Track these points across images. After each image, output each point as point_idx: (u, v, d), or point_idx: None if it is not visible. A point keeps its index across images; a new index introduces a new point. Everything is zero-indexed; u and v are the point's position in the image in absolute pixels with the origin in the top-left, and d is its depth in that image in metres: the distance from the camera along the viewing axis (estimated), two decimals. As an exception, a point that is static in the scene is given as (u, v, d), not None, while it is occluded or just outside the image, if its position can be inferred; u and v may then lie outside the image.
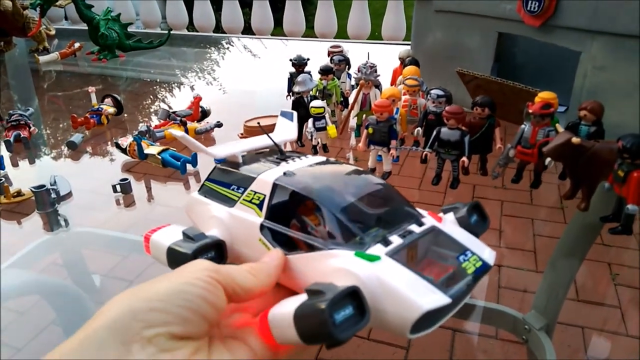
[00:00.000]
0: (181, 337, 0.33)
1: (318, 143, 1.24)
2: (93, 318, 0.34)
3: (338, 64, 1.44)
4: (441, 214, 0.61)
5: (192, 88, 1.94)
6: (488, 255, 0.55)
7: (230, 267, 0.41)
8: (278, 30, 3.27)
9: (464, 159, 1.03)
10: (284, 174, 0.58)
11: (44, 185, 1.03)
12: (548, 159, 0.99)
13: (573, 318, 0.72)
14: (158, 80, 2.12)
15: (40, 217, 1.03)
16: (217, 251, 0.60)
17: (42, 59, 2.27)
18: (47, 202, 1.03)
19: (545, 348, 0.63)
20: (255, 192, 0.59)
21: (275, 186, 0.57)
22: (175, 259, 0.58)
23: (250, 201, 0.60)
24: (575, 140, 0.90)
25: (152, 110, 1.77)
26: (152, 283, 0.36)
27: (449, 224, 0.57)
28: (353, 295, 0.41)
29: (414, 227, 0.53)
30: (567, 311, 0.73)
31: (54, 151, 1.41)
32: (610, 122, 1.04)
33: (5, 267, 0.87)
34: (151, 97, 1.93)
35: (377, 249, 0.48)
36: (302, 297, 0.41)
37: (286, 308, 0.41)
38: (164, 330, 0.33)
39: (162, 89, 2.02)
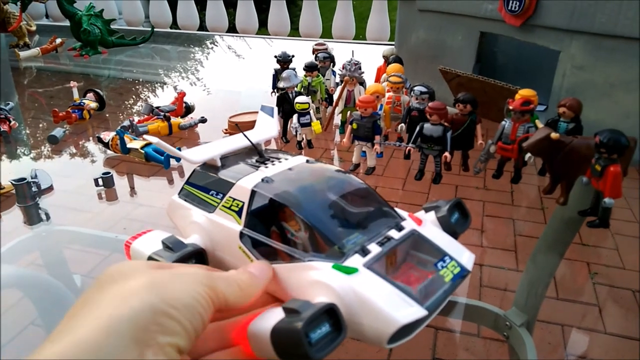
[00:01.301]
0: (180, 352, 0.33)
1: (303, 139, 1.25)
2: (111, 301, 0.32)
3: (323, 61, 1.45)
4: (422, 213, 0.62)
5: (174, 88, 1.93)
6: (467, 259, 0.55)
7: (223, 281, 0.40)
8: (263, 31, 3.27)
9: (447, 154, 1.05)
10: (262, 180, 0.58)
11: (24, 179, 1.02)
12: (528, 155, 1.01)
13: (553, 316, 0.73)
14: (141, 78, 2.11)
15: (21, 211, 1.02)
16: (198, 260, 0.60)
17: (23, 54, 2.24)
18: (27, 196, 1.02)
19: (525, 344, 0.64)
20: (234, 199, 0.59)
21: (253, 193, 0.57)
22: None
23: (229, 208, 0.59)
24: (554, 135, 0.92)
25: (134, 106, 1.75)
26: (170, 277, 0.36)
27: (429, 226, 0.58)
28: (329, 312, 0.41)
29: (393, 233, 0.54)
30: (547, 309, 0.74)
31: (34, 145, 1.39)
32: (588, 120, 1.06)
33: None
34: (134, 94, 1.92)
35: (355, 260, 0.48)
36: (280, 313, 0.42)
37: (264, 325, 0.41)
38: (175, 341, 0.32)
39: (145, 87, 2.00)
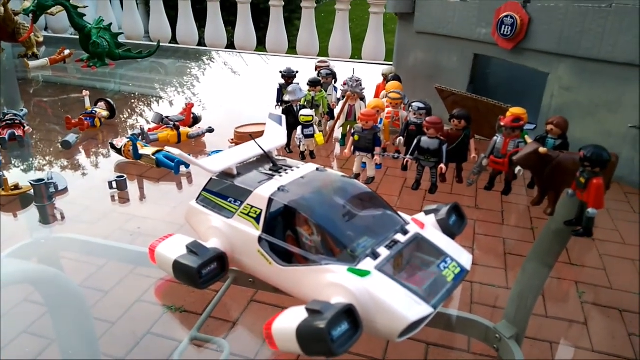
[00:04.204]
0: None
1: (305, 150, 1.31)
2: None
3: (325, 77, 1.52)
4: (422, 215, 0.68)
5: (170, 103, 1.98)
6: (465, 259, 0.61)
7: None
8: (260, 49, 3.34)
9: (442, 165, 1.12)
10: (279, 189, 0.64)
11: (42, 179, 1.07)
12: (518, 168, 1.07)
13: (541, 333, 0.74)
14: (145, 90, 2.15)
15: (38, 210, 1.06)
16: (219, 263, 0.66)
17: (32, 64, 2.30)
18: (45, 196, 1.06)
19: (515, 357, 0.66)
20: (252, 207, 0.64)
21: (270, 201, 0.63)
22: (182, 272, 0.64)
23: (247, 214, 0.65)
24: (542, 150, 0.99)
25: (137, 116, 1.80)
26: None
27: (430, 229, 0.64)
28: (348, 312, 0.47)
29: (399, 237, 0.60)
30: (536, 326, 0.76)
31: (47, 150, 1.43)
32: (574, 138, 1.14)
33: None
34: (140, 105, 1.97)
35: (367, 263, 0.54)
36: (302, 313, 0.48)
37: (288, 323, 0.47)
38: None
39: (150, 99, 2.05)
